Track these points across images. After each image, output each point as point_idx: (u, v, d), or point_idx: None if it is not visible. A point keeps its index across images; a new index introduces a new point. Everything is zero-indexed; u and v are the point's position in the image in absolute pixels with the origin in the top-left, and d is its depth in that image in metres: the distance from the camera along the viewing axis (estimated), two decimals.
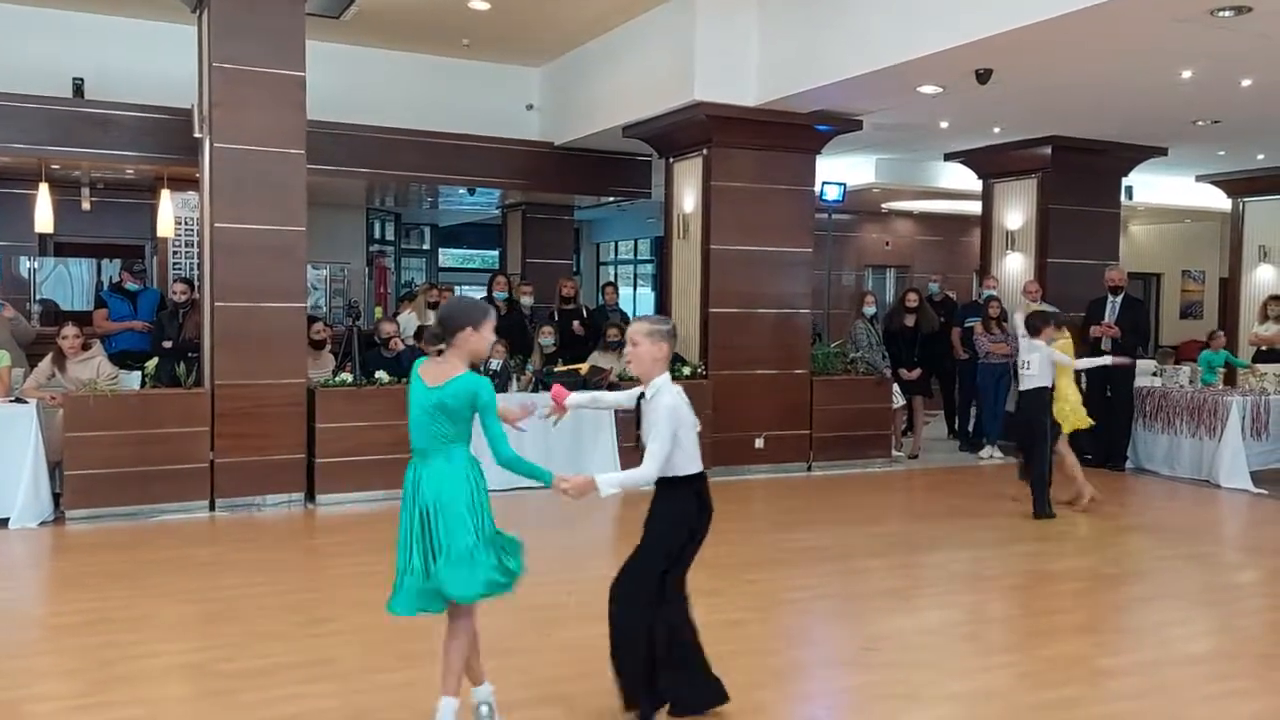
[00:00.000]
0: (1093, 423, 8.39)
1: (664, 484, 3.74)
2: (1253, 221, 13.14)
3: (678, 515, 3.74)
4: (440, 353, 3.66)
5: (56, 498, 7.33)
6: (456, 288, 13.34)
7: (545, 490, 3.76)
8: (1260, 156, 11.98)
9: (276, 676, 4.38)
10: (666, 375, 3.78)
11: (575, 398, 4.05)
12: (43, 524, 7.12)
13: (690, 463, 3.73)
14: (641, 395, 3.83)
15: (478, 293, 12.26)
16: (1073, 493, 8.06)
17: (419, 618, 3.85)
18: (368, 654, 4.65)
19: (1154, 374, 10.27)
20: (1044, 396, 7.81)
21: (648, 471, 3.65)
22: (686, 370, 9.16)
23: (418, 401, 3.61)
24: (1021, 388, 7.96)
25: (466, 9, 9.26)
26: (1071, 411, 8.14)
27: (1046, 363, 7.76)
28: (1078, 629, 5.23)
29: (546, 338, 9.88)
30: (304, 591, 5.75)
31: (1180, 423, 9.60)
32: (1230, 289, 13.65)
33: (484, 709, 3.86)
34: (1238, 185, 13.13)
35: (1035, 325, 7.85)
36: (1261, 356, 11.07)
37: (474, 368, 3.70)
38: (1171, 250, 18.38)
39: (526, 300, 10.79)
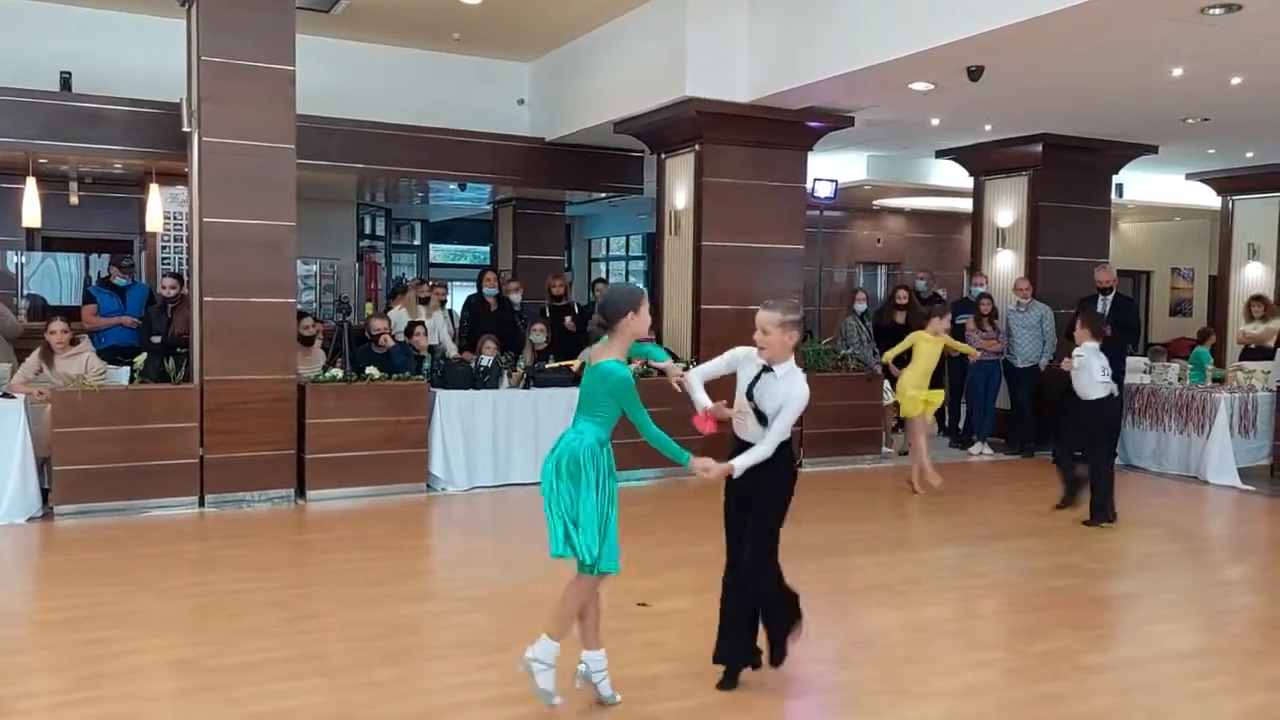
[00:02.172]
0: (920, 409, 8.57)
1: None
2: (1242, 219, 13.20)
3: (785, 481, 4.11)
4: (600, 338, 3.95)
5: (45, 493, 7.30)
6: (449, 283, 13.34)
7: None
8: (1250, 155, 12.03)
9: (265, 672, 4.37)
10: (792, 360, 4.08)
11: (704, 399, 4.16)
12: (31, 520, 7.09)
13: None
14: (768, 369, 4.04)
15: (467, 289, 12.25)
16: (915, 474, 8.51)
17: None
18: (356, 650, 4.64)
19: (1144, 371, 10.32)
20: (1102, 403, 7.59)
21: (770, 448, 3.97)
22: (680, 366, 9.14)
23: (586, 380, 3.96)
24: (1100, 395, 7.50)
25: (457, 3, 9.24)
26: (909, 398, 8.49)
27: (1091, 367, 7.48)
28: (1065, 625, 5.24)
29: (539, 335, 9.87)
30: (293, 588, 5.73)
31: (1169, 420, 9.64)
32: (1220, 287, 13.71)
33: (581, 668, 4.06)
34: (1227, 183, 13.18)
35: (1099, 328, 7.66)
36: (1248, 354, 11.14)
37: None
38: (1161, 248, 18.44)
39: (515, 297, 10.77)
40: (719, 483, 4.13)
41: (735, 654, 4.21)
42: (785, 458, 4.08)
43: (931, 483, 8.43)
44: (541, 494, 3.94)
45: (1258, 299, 11.54)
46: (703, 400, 4.14)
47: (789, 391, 4.00)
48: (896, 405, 10.70)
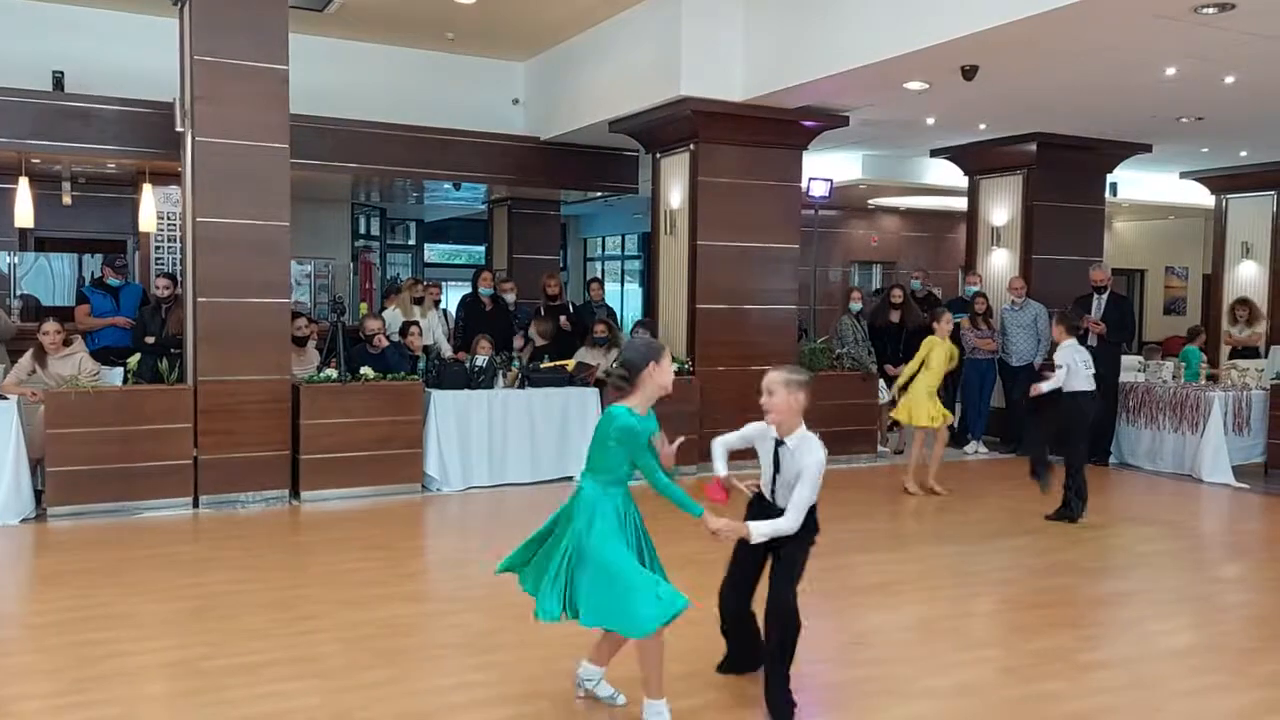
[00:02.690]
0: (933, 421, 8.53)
1: None
2: (1236, 218, 13.22)
3: (808, 539, 4.03)
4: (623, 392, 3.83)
5: (38, 495, 7.28)
6: (443, 283, 13.31)
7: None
8: (1243, 153, 12.05)
9: (259, 674, 4.36)
10: (803, 426, 4.00)
11: (722, 469, 4.16)
12: (24, 521, 7.08)
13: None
14: (780, 443, 4.01)
15: (462, 289, 12.23)
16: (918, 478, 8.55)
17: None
18: (351, 651, 4.63)
19: (1138, 370, 10.33)
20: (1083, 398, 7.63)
21: (792, 521, 3.90)
22: (674, 366, 9.14)
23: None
24: (1082, 388, 7.54)
25: (451, 2, 9.23)
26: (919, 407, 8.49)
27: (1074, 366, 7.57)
28: (1059, 623, 5.25)
29: (538, 334, 9.89)
30: (287, 589, 5.72)
31: (1163, 418, 9.66)
32: (1214, 285, 13.73)
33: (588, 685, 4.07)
34: (1221, 182, 13.20)
35: (1075, 325, 7.80)
36: (1237, 353, 11.18)
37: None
38: (1155, 246, 18.47)
39: (509, 298, 10.77)
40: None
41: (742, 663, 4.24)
42: (809, 525, 4.00)
43: (912, 486, 8.53)
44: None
45: (1241, 303, 11.58)
46: (720, 470, 4.14)
47: (803, 461, 3.92)
48: (893, 404, 10.76)
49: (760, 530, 3.89)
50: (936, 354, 8.54)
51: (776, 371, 4.03)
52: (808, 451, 3.93)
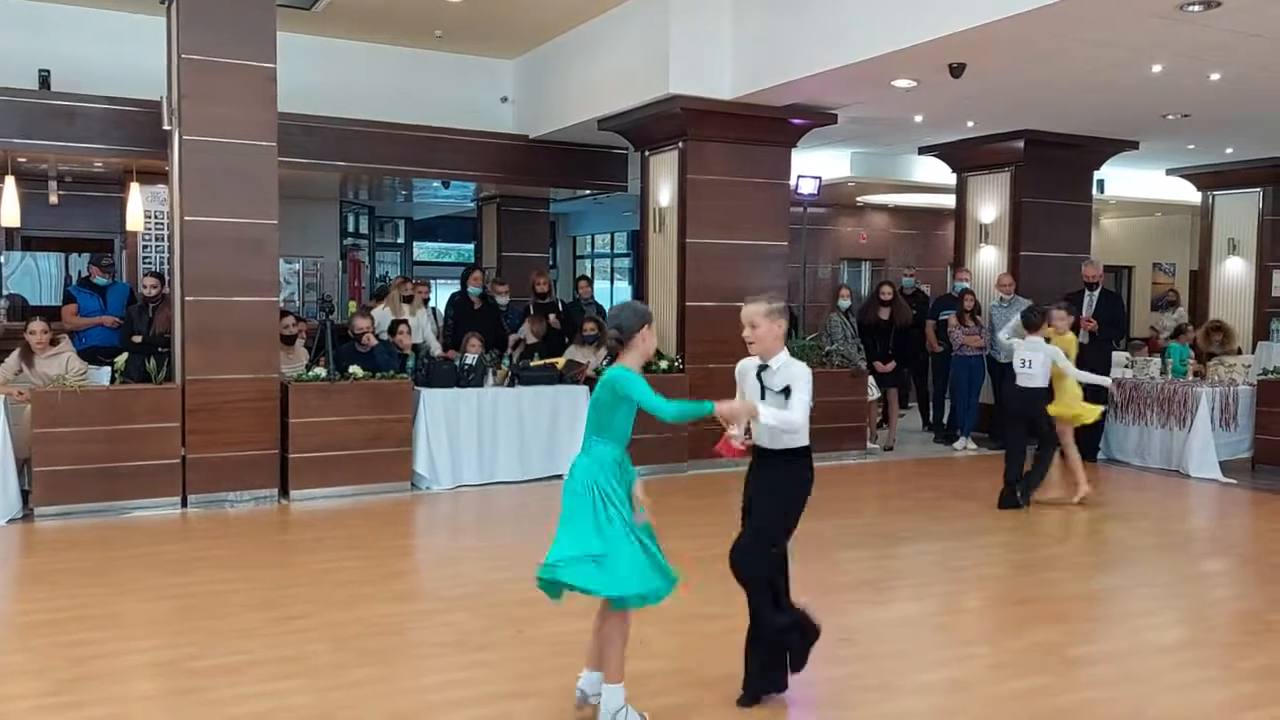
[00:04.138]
0: (1099, 412, 8.30)
1: (788, 455, 3.99)
2: (1222, 214, 13.30)
3: (801, 485, 4.02)
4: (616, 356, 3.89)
5: (25, 495, 7.25)
6: (431, 281, 13.30)
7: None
8: (1229, 150, 12.11)
9: (247, 674, 4.34)
10: (785, 351, 4.02)
11: (736, 433, 3.95)
12: (11, 521, 7.04)
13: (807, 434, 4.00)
14: (764, 367, 4.01)
15: (452, 286, 12.22)
16: (1068, 487, 8.05)
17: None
18: (339, 650, 4.62)
19: (1126, 365, 10.37)
20: (1045, 396, 7.76)
21: (796, 416, 3.87)
22: (664, 364, 9.16)
23: None
24: (1021, 384, 7.75)
25: (439, 0, 9.20)
26: (1081, 404, 8.01)
27: (1049, 363, 7.68)
28: (1049, 619, 5.27)
29: (529, 333, 9.88)
30: (276, 588, 5.70)
31: (1151, 414, 9.69)
32: (1200, 281, 13.81)
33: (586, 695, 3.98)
34: (1207, 179, 13.28)
35: (1033, 321, 7.74)
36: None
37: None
38: (1142, 243, 18.55)
39: (502, 300, 10.76)
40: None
41: (761, 682, 4.10)
42: (809, 463, 4.03)
43: (1085, 487, 8.03)
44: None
45: (1216, 328, 11.53)
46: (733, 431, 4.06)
47: (791, 372, 3.95)
48: (881, 401, 10.81)
49: (766, 411, 3.84)
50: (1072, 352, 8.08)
51: (755, 304, 4.00)
52: (793, 365, 3.97)
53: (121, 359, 7.79)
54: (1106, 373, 9.79)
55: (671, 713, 3.97)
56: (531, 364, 9.15)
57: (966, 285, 11.02)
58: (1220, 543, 7.45)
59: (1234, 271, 13.07)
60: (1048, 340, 7.78)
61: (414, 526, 7.70)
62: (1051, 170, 11.09)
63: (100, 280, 9.43)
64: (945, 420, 11.33)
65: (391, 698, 4.11)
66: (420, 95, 10.86)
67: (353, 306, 13.00)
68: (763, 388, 4.02)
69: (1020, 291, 10.66)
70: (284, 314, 8.69)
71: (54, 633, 4.85)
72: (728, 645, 4.34)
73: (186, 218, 7.57)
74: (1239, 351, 11.41)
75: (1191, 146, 11.81)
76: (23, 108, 9.22)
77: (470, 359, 8.69)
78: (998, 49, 7.34)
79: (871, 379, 10.45)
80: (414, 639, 4.95)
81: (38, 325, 7.66)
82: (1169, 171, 13.64)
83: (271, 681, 4.26)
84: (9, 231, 11.72)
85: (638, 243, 12.15)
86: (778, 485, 4.03)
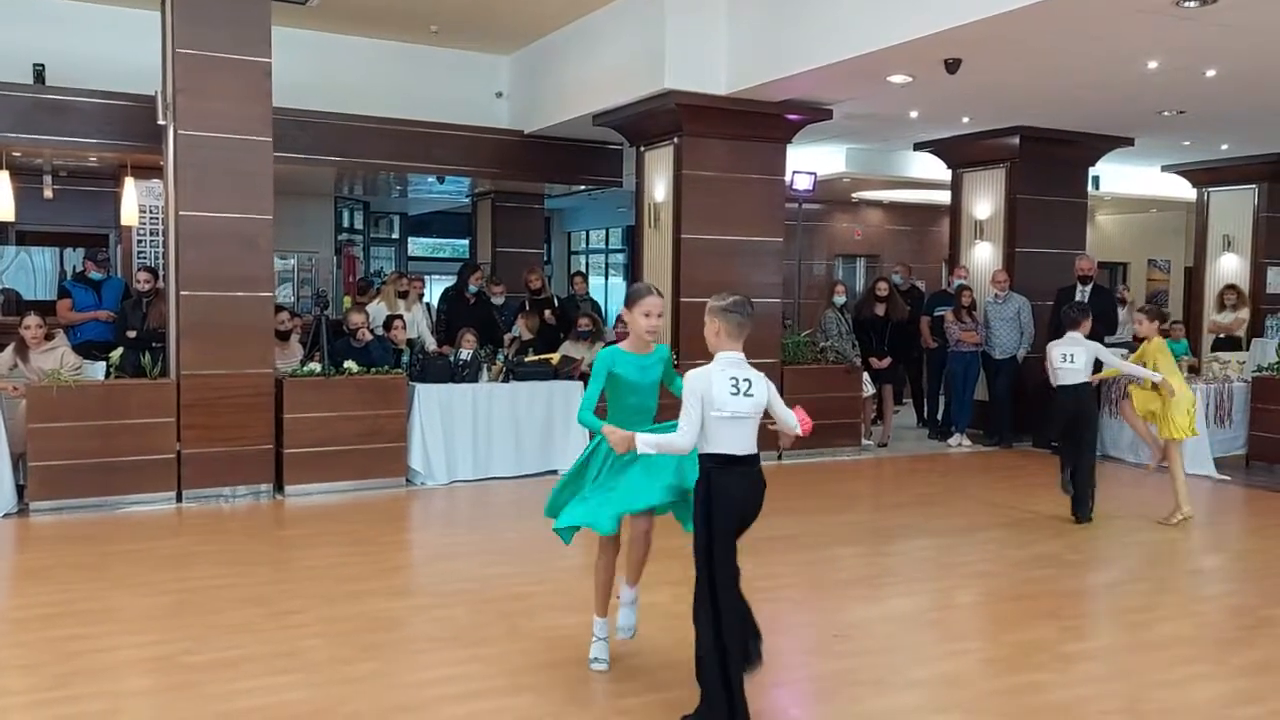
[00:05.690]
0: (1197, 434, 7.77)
1: (703, 464, 3.74)
2: (1217, 211, 13.31)
3: (704, 502, 3.71)
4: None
5: (20, 489, 7.23)
6: (425, 276, 13.29)
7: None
8: (1224, 147, 12.12)
9: (242, 668, 4.34)
10: (724, 354, 3.78)
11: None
12: (6, 516, 7.03)
13: (734, 443, 3.71)
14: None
15: (447, 281, 12.20)
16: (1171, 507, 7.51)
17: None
18: (334, 646, 4.63)
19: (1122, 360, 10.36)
20: (1088, 390, 7.50)
21: (681, 438, 3.69)
22: None
23: None
24: (1065, 380, 7.35)
25: None
26: (1187, 417, 7.40)
27: (1092, 358, 7.38)
28: (1043, 615, 5.28)
29: (524, 329, 9.88)
30: (271, 583, 5.70)
31: None
32: (1195, 278, 13.82)
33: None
34: (1202, 175, 13.28)
35: (1074, 318, 7.44)
36: (1220, 345, 11.24)
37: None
38: (1137, 239, 18.57)
39: (498, 300, 10.76)
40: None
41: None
42: (737, 473, 3.73)
43: (1187, 507, 7.46)
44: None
45: (1230, 288, 11.73)
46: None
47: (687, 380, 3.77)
48: (876, 398, 10.82)
49: (645, 441, 3.69)
50: (1163, 361, 7.44)
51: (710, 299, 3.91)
52: (691, 375, 3.75)
53: (116, 354, 7.79)
54: (1101, 368, 9.80)
55: (668, 706, 3.97)
56: (526, 359, 9.15)
57: (963, 281, 11.03)
58: (1214, 539, 7.47)
59: (1229, 268, 13.08)
60: (1136, 343, 7.58)
61: (409, 522, 7.70)
62: (1047, 166, 11.10)
63: (95, 275, 9.42)
64: (940, 416, 11.34)
65: (387, 692, 4.11)
66: (415, 90, 10.84)
67: (348, 302, 13.00)
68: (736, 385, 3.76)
69: (1015, 288, 10.68)
70: (279, 309, 8.68)
71: (48, 628, 4.84)
72: None
73: (181, 213, 7.56)
74: (1249, 322, 11.50)
75: (1187, 143, 11.82)
76: (17, 102, 9.19)
77: (465, 354, 8.68)
78: (993, 45, 7.34)
79: (866, 375, 10.46)
80: (410, 634, 4.96)
81: (32, 320, 7.65)
82: (1164, 168, 13.65)
83: (267, 676, 4.26)
84: (3, 226, 11.67)
85: (633, 238, 12.14)
86: (700, 499, 3.74)
